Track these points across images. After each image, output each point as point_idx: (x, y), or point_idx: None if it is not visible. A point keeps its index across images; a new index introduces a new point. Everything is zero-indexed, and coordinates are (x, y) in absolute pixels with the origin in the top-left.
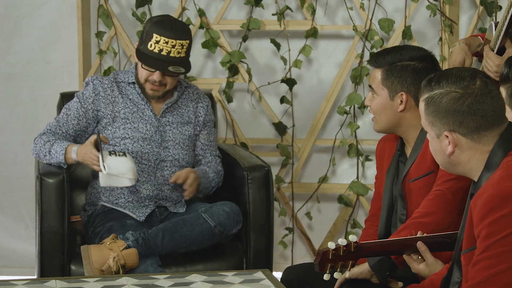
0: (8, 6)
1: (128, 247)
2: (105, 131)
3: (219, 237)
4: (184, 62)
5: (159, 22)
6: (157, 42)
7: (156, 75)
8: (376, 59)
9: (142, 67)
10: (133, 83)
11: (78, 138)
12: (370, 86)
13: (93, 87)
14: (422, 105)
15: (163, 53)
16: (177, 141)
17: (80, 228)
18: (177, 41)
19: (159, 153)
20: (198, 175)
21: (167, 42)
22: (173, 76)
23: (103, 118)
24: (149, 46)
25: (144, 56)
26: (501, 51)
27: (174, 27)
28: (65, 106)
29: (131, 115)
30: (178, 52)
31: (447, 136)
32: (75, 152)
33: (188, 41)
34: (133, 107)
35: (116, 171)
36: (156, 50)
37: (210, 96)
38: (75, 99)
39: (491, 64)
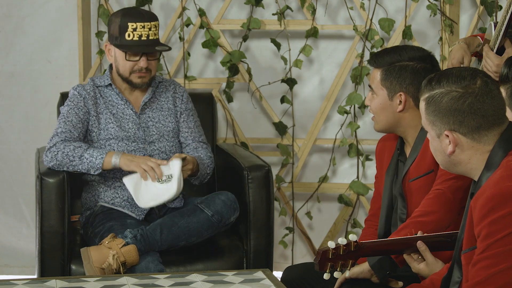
0: (10, 5)
1: (127, 244)
2: (91, 133)
3: (218, 226)
4: (161, 43)
5: (127, 13)
6: (134, 29)
7: (143, 62)
8: (376, 59)
9: (126, 59)
10: (110, 84)
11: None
12: (369, 86)
13: (78, 93)
14: (422, 104)
15: (143, 38)
16: (161, 134)
17: (79, 228)
18: (151, 23)
19: (145, 149)
20: (195, 161)
21: (143, 27)
22: (155, 60)
23: (89, 120)
24: (127, 36)
25: (127, 47)
26: (500, 51)
27: (141, 12)
28: (59, 119)
29: (112, 116)
30: (155, 34)
31: (447, 136)
32: (118, 157)
33: (157, 22)
34: (113, 108)
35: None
36: (136, 38)
37: (210, 96)
38: (65, 108)
39: (491, 64)
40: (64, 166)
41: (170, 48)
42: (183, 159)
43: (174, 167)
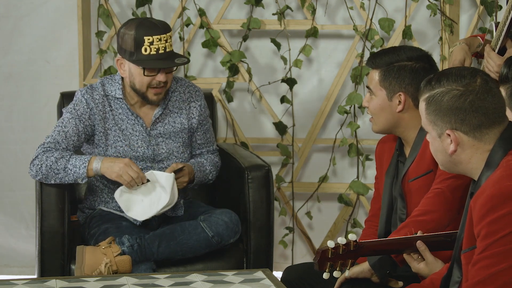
0: (8, 6)
1: (122, 253)
2: (97, 147)
3: (216, 247)
4: (176, 54)
5: (140, 25)
6: (151, 43)
7: (161, 77)
8: (374, 60)
9: (144, 74)
10: (121, 99)
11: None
12: (368, 87)
13: (86, 102)
14: (422, 105)
15: (161, 51)
16: (170, 152)
17: (80, 224)
18: (167, 34)
19: (152, 168)
20: (192, 170)
21: (160, 40)
22: (171, 73)
23: (95, 135)
24: (143, 51)
25: (145, 63)
26: (502, 51)
27: (155, 23)
28: (57, 123)
29: (121, 133)
30: (170, 45)
31: (449, 135)
32: (99, 164)
33: (171, 32)
34: (123, 123)
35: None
36: (153, 52)
37: (210, 96)
38: (67, 115)
39: (493, 64)
40: (51, 179)
41: (189, 61)
42: (180, 170)
43: (168, 180)
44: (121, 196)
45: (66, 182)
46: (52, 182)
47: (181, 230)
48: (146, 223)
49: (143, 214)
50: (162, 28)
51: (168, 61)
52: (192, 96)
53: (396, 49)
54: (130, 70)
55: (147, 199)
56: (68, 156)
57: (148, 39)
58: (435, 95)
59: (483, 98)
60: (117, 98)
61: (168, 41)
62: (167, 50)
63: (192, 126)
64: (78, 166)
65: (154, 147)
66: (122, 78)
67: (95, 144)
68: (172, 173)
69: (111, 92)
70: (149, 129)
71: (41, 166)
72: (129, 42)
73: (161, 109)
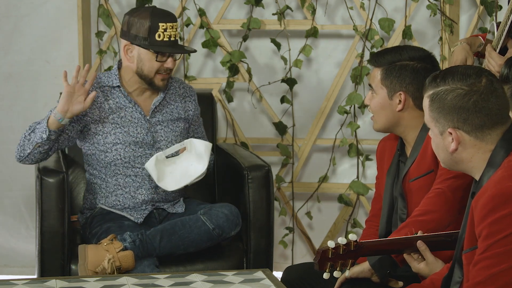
0: (8, 5)
1: (125, 248)
2: (96, 136)
3: (217, 240)
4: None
5: (155, 11)
6: (165, 30)
7: (171, 63)
8: (376, 58)
9: (157, 60)
10: (118, 86)
11: (62, 144)
12: (370, 85)
13: None
14: (426, 101)
15: (172, 38)
16: (169, 140)
17: (79, 228)
18: (175, 23)
19: (151, 155)
20: None
21: (172, 27)
22: (176, 61)
23: (91, 124)
24: (157, 37)
25: (160, 48)
26: (503, 51)
27: (167, 12)
28: (48, 113)
29: (120, 120)
30: (177, 34)
31: (450, 133)
32: (55, 108)
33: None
34: (121, 111)
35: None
36: (166, 38)
37: (210, 96)
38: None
39: (494, 64)
40: (26, 147)
41: (196, 50)
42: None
43: (207, 148)
44: (155, 165)
45: (35, 142)
46: (28, 151)
47: (182, 225)
48: (148, 222)
49: (174, 184)
50: (172, 16)
51: (179, 48)
52: (186, 91)
53: (399, 49)
54: (139, 56)
55: (178, 171)
56: (38, 122)
57: (163, 26)
58: (439, 93)
59: (487, 99)
60: (114, 87)
61: (177, 29)
62: (176, 38)
63: (188, 117)
64: (41, 122)
65: (153, 134)
66: (119, 69)
67: (92, 133)
68: (211, 143)
69: (108, 82)
70: (148, 117)
71: (19, 142)
72: (142, 28)
73: (160, 98)
